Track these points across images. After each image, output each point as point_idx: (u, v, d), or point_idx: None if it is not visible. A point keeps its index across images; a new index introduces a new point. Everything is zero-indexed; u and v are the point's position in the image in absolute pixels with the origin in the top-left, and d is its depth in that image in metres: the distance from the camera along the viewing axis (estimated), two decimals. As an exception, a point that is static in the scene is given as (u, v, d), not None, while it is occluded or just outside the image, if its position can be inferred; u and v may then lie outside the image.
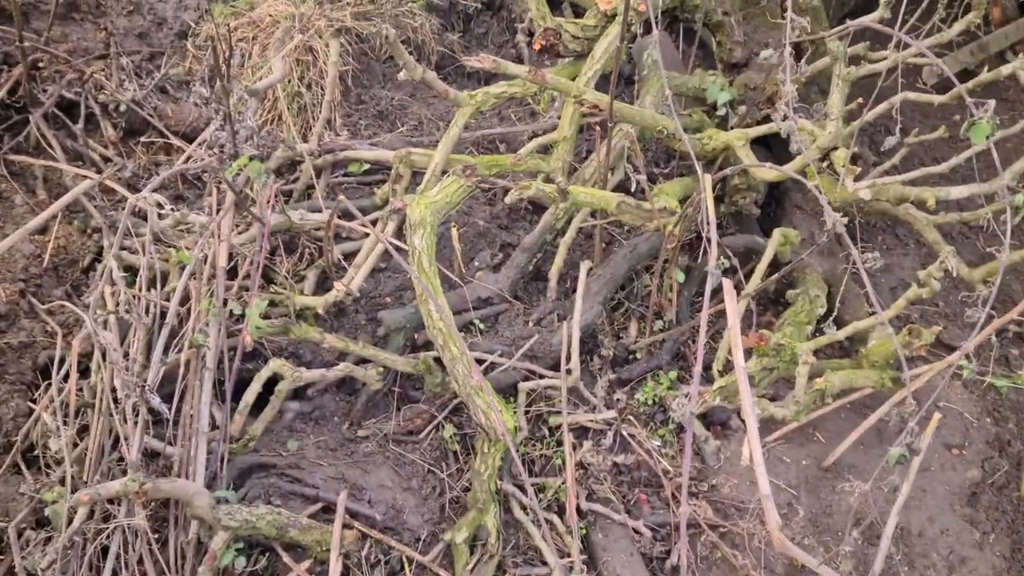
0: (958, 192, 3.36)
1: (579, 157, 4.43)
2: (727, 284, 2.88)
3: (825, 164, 3.73)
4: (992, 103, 2.64)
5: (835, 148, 3.58)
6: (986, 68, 4.30)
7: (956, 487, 3.62)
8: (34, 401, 3.44)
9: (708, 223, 2.89)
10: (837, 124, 3.40)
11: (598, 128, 3.97)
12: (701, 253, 4.10)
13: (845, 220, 2.71)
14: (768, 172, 3.42)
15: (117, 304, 3.50)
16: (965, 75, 5.28)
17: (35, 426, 3.33)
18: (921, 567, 3.37)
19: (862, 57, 3.83)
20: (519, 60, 5.25)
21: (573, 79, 4.01)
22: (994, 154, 2.69)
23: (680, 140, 3.34)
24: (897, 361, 3.52)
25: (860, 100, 3.56)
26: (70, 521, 2.87)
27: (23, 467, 3.29)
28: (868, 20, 3.26)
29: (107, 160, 4.33)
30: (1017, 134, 3.74)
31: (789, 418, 3.35)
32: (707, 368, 3.89)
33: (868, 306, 4.04)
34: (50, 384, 3.37)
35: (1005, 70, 3.18)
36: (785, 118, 2.87)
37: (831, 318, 3.31)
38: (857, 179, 3.71)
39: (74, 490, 2.96)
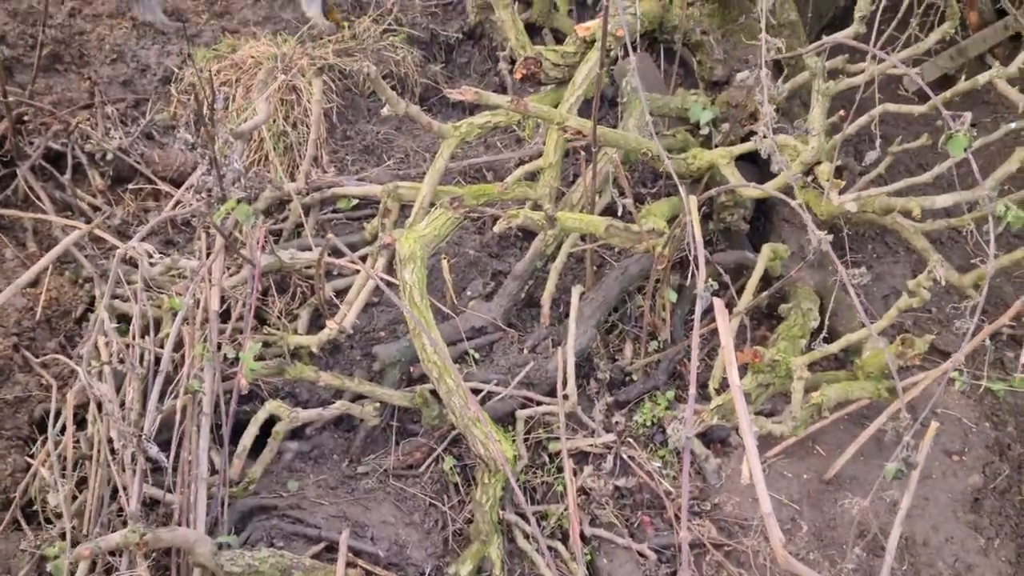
0: (943, 201, 3.37)
1: (566, 182, 4.45)
2: (718, 303, 2.88)
3: (810, 178, 3.75)
4: (968, 115, 2.65)
5: (819, 162, 3.60)
6: (965, 72, 4.33)
7: (958, 494, 3.61)
8: (31, 456, 3.44)
9: (695, 243, 2.90)
10: (819, 138, 3.42)
11: (583, 153, 3.99)
12: (691, 272, 4.11)
13: (831, 238, 2.72)
14: (753, 191, 3.43)
15: (111, 354, 3.50)
16: (945, 80, 5.33)
17: (33, 481, 3.33)
18: (928, 576, 3.37)
19: (841, 71, 3.85)
20: (502, 88, 5.28)
21: (556, 105, 4.04)
22: (973, 164, 2.71)
23: (664, 161, 3.36)
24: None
25: (842, 112, 3.59)
26: (72, 576, 2.87)
27: (23, 523, 3.29)
28: (843, 36, 3.29)
29: (96, 209, 4.35)
30: (1001, 138, 3.77)
31: (787, 434, 3.35)
32: (704, 387, 3.89)
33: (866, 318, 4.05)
34: (47, 438, 3.37)
35: (982, 78, 3.20)
36: (764, 138, 2.89)
37: (823, 332, 3.31)
38: (843, 190, 3.73)
39: (75, 544, 2.95)
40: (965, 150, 2.57)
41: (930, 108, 3.23)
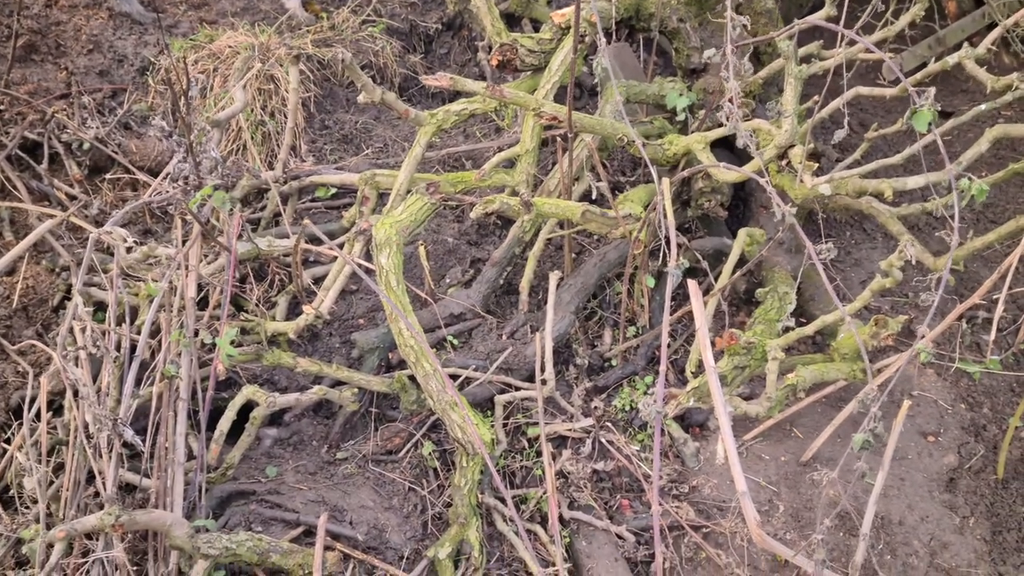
0: (914, 182, 3.39)
1: (544, 170, 4.46)
2: (693, 286, 2.90)
3: (784, 162, 3.77)
4: (932, 90, 2.67)
5: (792, 145, 3.62)
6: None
7: (934, 474, 3.64)
8: (8, 441, 3.43)
9: (667, 225, 2.92)
10: (792, 121, 3.44)
11: (560, 140, 4.00)
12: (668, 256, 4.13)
13: (794, 210, 2.74)
14: (727, 173, 3.45)
15: (86, 339, 3.49)
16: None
17: (9, 466, 3.32)
18: (903, 555, 3.39)
19: (814, 55, 3.88)
20: (481, 78, 5.30)
21: (533, 92, 4.05)
22: (939, 141, 2.72)
23: (638, 145, 3.38)
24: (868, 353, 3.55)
25: (816, 98, 3.61)
26: (48, 559, 2.86)
27: (-1, 508, 3.29)
28: (815, 18, 3.31)
29: (73, 199, 4.34)
30: (977, 123, 3.79)
31: (762, 414, 3.37)
32: (682, 371, 3.92)
33: (839, 299, 4.07)
34: (22, 423, 3.36)
35: (951, 60, 3.23)
36: (730, 116, 2.90)
37: (789, 312, 3.34)
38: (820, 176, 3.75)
39: (50, 527, 2.95)
40: (929, 124, 2.59)
41: (901, 91, 3.25)
